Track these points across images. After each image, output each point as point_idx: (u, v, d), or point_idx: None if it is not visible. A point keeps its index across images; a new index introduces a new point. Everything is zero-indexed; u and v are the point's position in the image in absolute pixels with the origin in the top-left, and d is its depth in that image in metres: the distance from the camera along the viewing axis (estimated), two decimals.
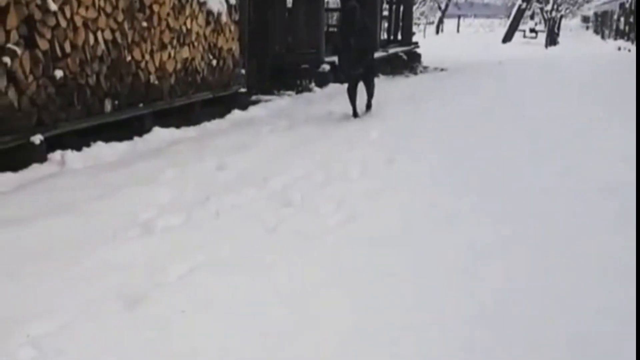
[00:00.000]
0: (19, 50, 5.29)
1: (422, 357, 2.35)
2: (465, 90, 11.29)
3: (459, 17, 48.27)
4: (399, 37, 19.25)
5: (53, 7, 5.62)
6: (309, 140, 6.82)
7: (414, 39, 20.22)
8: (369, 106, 8.65)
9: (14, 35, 5.24)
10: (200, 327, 2.59)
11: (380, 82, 13.59)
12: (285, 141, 6.76)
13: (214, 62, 8.74)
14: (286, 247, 3.49)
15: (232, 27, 9.20)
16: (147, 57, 7.12)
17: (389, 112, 8.75)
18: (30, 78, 5.49)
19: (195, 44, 8.17)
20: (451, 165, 5.54)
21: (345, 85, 8.59)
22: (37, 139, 5.53)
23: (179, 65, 7.79)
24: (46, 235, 3.61)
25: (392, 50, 16.83)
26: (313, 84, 11.67)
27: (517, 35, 35.00)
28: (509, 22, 35.58)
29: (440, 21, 45.02)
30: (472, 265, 3.21)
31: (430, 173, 5.25)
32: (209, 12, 8.50)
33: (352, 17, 7.93)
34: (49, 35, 5.63)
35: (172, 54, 7.60)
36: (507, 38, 33.99)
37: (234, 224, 3.97)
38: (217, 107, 8.67)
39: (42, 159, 5.58)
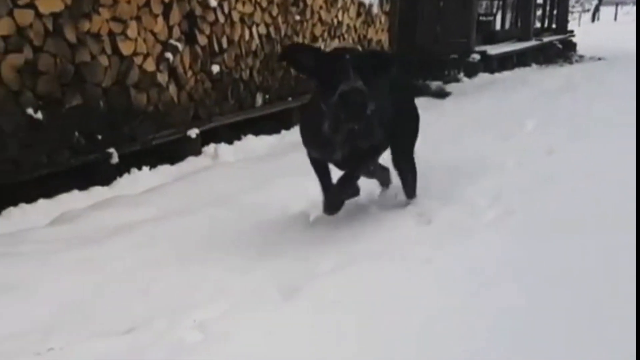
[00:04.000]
0: (180, 46, 5.52)
1: None
2: (626, 79, 10.53)
3: (616, 4, 45.45)
4: (553, 25, 18.42)
5: (213, 3, 5.81)
6: (459, 131, 6.62)
7: (569, 27, 19.26)
8: (409, 194, 4.11)
9: (176, 31, 5.47)
10: (353, 317, 2.54)
11: (533, 72, 13.06)
12: (434, 132, 6.58)
13: None
14: (442, 240, 3.36)
15: (383, 19, 9.15)
16: None
17: (543, 103, 8.32)
18: (190, 73, 5.71)
19: (346, 36, 8.19)
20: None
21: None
22: (193, 132, 5.75)
23: None
24: (208, 225, 3.73)
25: (546, 39, 16.12)
26: (462, 74, 11.37)
27: None
28: None
29: (597, 9, 42.60)
30: None
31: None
32: (361, 4, 8.49)
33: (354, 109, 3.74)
34: (208, 31, 5.83)
35: (323, 47, 7.66)
36: None
37: (386, 216, 3.89)
38: None
39: (197, 152, 5.80)
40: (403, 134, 3.93)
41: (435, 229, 3.60)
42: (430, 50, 11.84)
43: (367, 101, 2.91)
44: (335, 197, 3.59)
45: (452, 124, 7.09)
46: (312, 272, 3.03)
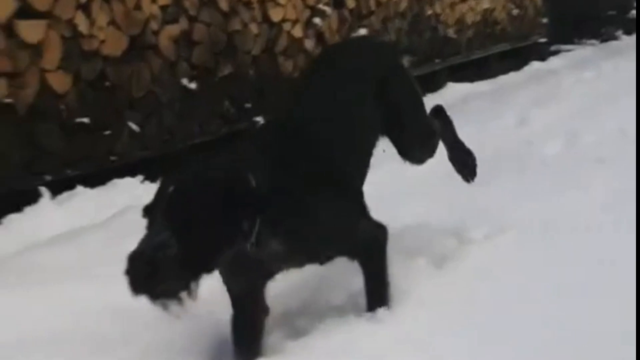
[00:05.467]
0: (328, 10, 5.44)
1: None
2: None
3: None
4: None
5: None
6: (619, 92, 6.14)
7: None
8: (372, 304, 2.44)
9: None
10: (504, 287, 2.47)
11: None
12: (591, 94, 6.17)
13: (515, 11, 8.29)
14: (603, 208, 3.14)
15: None
16: (447, 10, 6.95)
17: None
18: (336, 38, 5.63)
19: None
20: None
21: None
22: None
23: (477, 17, 7.52)
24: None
25: None
26: (620, 32, 10.57)
27: None
28: None
29: None
30: None
31: None
32: None
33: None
34: None
35: (472, 6, 7.34)
36: None
37: (540, 181, 3.69)
38: (514, 59, 8.26)
39: None
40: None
41: None
42: (585, 7, 11.07)
43: (161, 273, 1.94)
44: None
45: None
46: (463, 240, 2.96)
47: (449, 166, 3.15)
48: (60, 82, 3.84)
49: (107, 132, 4.10)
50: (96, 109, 4.03)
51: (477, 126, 5.15)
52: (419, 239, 2.95)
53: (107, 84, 4.08)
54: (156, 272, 1.93)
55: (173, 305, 1.99)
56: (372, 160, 2.69)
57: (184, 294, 1.99)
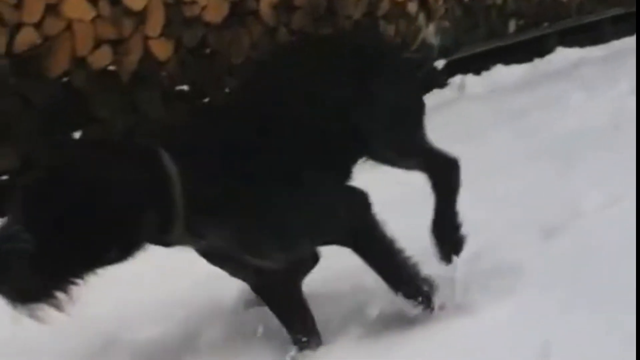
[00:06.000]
0: None
1: None
2: None
3: None
4: None
5: None
6: None
7: None
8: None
9: None
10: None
11: None
12: None
13: None
14: None
15: None
16: None
17: None
18: (440, 1, 5.48)
19: None
20: None
21: None
22: (439, 63, 5.54)
23: None
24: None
25: None
26: None
27: None
28: None
29: None
30: None
31: None
32: None
33: None
34: None
35: None
36: None
37: None
38: (627, 24, 7.77)
39: (443, 84, 5.58)
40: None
41: None
42: None
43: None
44: None
45: None
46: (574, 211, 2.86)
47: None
48: (162, 49, 3.89)
49: (206, 100, 4.11)
50: (196, 76, 4.05)
51: (588, 93, 4.95)
52: (528, 210, 2.88)
53: (208, 50, 4.11)
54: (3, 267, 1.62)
55: (32, 309, 1.67)
56: None
57: (46, 298, 1.67)
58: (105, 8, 3.61)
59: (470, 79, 5.80)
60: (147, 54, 3.80)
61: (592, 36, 7.20)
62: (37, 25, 3.39)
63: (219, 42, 4.16)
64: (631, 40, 7.27)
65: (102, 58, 3.63)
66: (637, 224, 2.57)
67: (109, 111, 3.70)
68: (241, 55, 4.24)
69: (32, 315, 1.67)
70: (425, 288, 2.03)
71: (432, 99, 5.41)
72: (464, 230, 2.28)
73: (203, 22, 4.08)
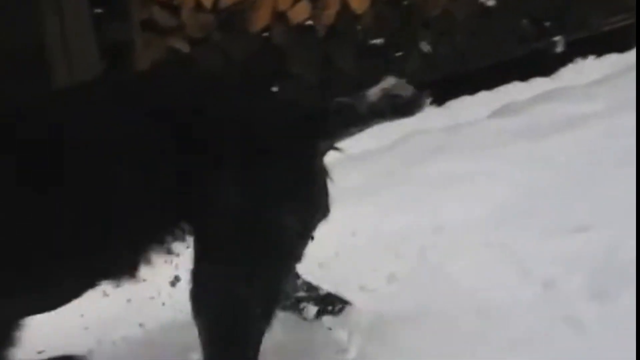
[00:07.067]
0: None
1: None
2: None
3: None
4: None
5: None
6: None
7: None
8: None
9: None
10: None
11: None
12: None
13: None
14: None
15: None
16: None
17: None
18: None
19: None
20: None
21: None
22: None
23: None
24: None
25: None
26: None
27: None
28: None
29: None
30: None
31: None
32: None
33: None
34: None
35: None
36: None
37: None
38: None
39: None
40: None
41: None
42: None
43: None
44: None
45: None
46: None
47: None
48: (359, 2, 3.81)
49: (399, 54, 4.00)
50: (391, 29, 3.96)
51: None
52: None
53: (405, 2, 3.98)
54: None
55: None
56: None
57: None
58: None
59: None
60: (344, 7, 3.75)
61: None
62: None
63: None
64: None
65: (302, 12, 3.65)
66: (637, 224, 2.43)
67: (304, 66, 3.70)
68: (438, 7, 4.10)
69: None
70: None
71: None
72: None
73: None
